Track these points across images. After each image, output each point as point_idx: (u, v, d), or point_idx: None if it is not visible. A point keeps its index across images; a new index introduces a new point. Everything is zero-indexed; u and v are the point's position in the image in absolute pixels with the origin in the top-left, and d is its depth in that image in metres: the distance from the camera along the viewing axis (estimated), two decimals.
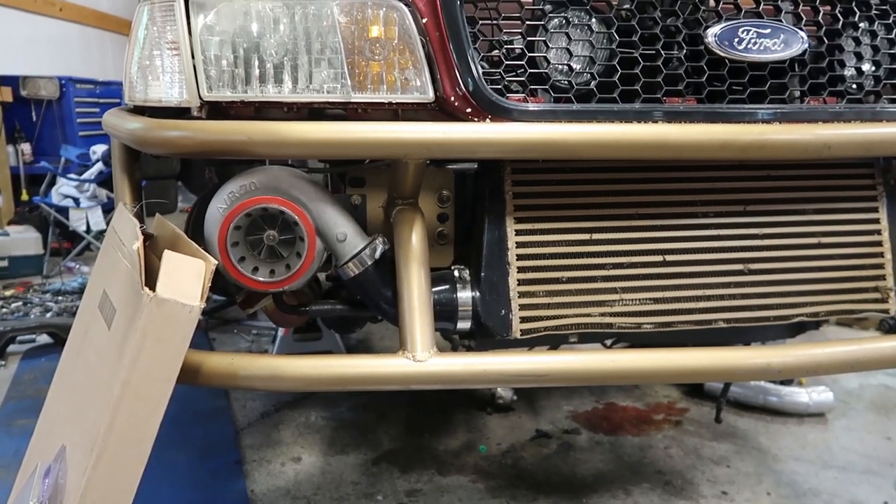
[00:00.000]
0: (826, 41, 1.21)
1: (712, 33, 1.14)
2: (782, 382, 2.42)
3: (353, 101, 1.13)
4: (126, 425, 0.90)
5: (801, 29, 1.16)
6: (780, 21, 1.16)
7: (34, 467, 1.12)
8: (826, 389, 2.38)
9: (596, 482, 1.96)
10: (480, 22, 1.14)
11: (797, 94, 1.21)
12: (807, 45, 1.16)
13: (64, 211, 4.40)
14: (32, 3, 5.33)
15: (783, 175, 1.29)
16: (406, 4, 1.11)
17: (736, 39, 1.14)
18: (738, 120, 1.15)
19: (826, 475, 1.99)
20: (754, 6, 1.17)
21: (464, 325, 1.23)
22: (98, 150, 4.47)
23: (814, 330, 1.49)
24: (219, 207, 1.14)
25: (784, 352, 1.16)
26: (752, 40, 1.14)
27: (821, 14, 1.20)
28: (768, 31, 1.14)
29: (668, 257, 1.25)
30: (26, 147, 4.96)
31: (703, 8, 1.16)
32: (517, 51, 1.16)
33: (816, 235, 1.30)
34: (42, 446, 1.18)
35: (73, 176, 4.44)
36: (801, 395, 2.36)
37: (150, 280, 0.93)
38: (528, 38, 1.16)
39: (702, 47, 1.15)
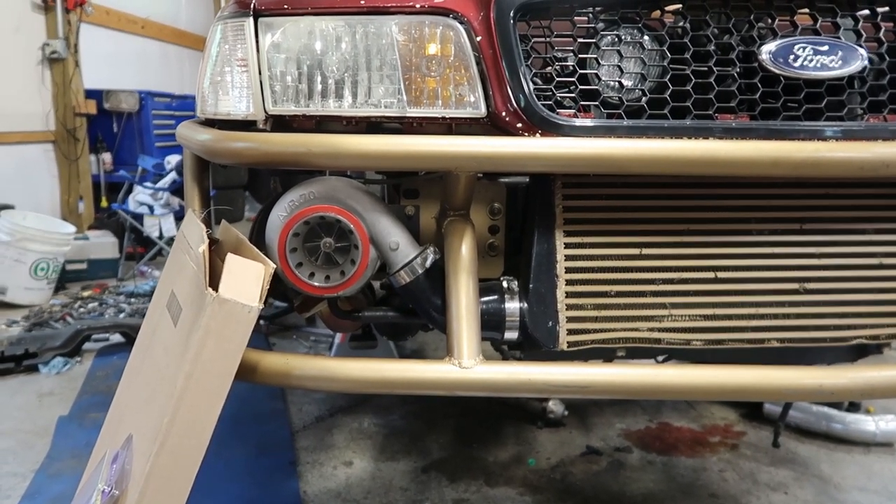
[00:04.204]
0: (888, 58, 1.18)
1: (767, 50, 1.13)
2: (848, 409, 2.33)
3: (408, 115, 1.18)
4: (188, 416, 0.96)
5: (860, 45, 1.14)
6: (839, 38, 1.15)
7: (103, 454, 1.20)
8: (895, 418, 2.28)
9: (646, 502, 1.93)
10: (533, 39, 1.17)
11: (856, 111, 1.19)
12: (866, 62, 1.14)
13: (139, 217, 4.63)
14: (117, 21, 5.67)
15: (842, 193, 1.26)
16: (461, 23, 1.15)
17: (791, 56, 1.13)
18: (793, 137, 1.13)
19: None
20: (812, 23, 1.15)
21: (511, 335, 1.25)
22: (172, 160, 4.70)
23: (877, 354, 1.44)
24: (279, 215, 1.20)
25: (838, 373, 1.14)
26: (809, 57, 1.13)
27: (882, 31, 1.17)
28: (826, 47, 1.13)
29: (720, 274, 1.24)
30: (107, 157, 5.27)
31: (758, 25, 1.16)
32: (569, 68, 1.18)
33: (878, 256, 1.26)
34: (111, 435, 1.26)
35: (148, 184, 4.67)
36: (868, 424, 2.27)
37: (214, 281, 0.99)
38: (580, 56, 1.18)
39: (756, 64, 1.15)
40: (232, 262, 1.00)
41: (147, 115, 5.28)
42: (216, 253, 1.17)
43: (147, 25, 6.14)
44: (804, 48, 1.13)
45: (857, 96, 1.18)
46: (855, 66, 1.13)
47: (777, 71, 1.13)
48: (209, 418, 0.98)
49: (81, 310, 3.72)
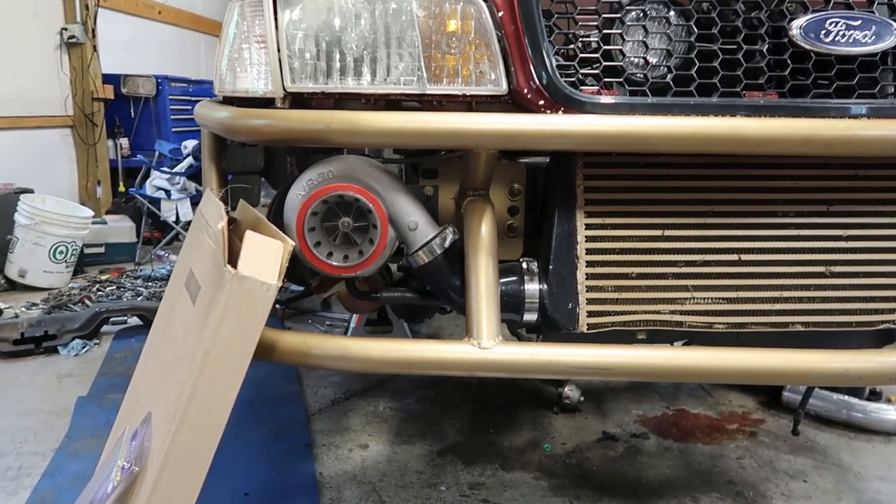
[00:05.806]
0: None
1: (797, 25, 1.10)
2: (869, 398, 2.29)
3: (428, 92, 1.16)
4: (206, 394, 0.96)
5: (895, 20, 1.11)
6: (873, 12, 1.11)
7: (122, 431, 1.21)
8: None
9: (663, 488, 1.92)
10: (556, 15, 1.15)
11: (889, 88, 1.15)
12: None
13: (156, 202, 4.66)
14: (135, 6, 5.67)
15: (872, 175, 1.23)
16: None
17: (823, 31, 1.10)
18: (823, 115, 1.10)
19: None
20: None
21: (530, 316, 1.24)
22: (189, 144, 4.71)
23: None
24: (298, 194, 1.19)
25: (865, 357, 1.11)
26: (841, 32, 1.10)
27: None
28: (858, 22, 1.10)
29: (744, 256, 1.22)
30: (124, 142, 5.30)
31: (787, 0, 1.13)
32: (592, 44, 1.16)
33: None
34: (130, 413, 1.27)
35: (165, 169, 4.69)
36: (890, 413, 2.23)
37: (233, 259, 0.99)
38: (604, 31, 1.15)
39: (785, 40, 1.12)
40: (251, 239, 1.00)
41: (164, 100, 5.29)
42: (234, 232, 1.16)
43: (164, 10, 6.14)
44: (836, 23, 1.09)
45: (890, 73, 1.15)
46: (889, 42, 1.10)
47: (808, 47, 1.10)
48: (228, 396, 0.97)
49: (100, 293, 3.75)
